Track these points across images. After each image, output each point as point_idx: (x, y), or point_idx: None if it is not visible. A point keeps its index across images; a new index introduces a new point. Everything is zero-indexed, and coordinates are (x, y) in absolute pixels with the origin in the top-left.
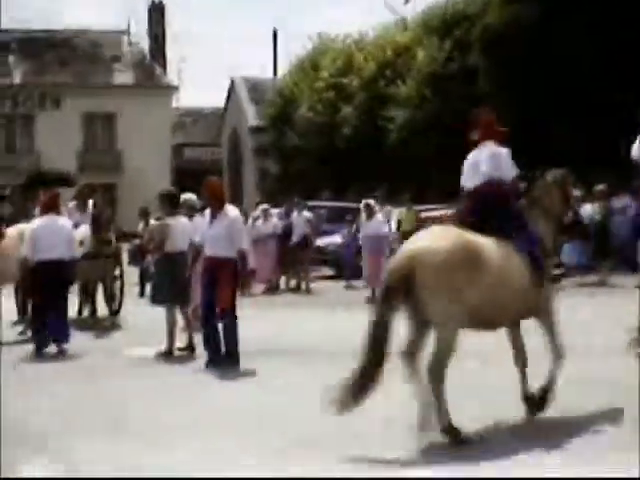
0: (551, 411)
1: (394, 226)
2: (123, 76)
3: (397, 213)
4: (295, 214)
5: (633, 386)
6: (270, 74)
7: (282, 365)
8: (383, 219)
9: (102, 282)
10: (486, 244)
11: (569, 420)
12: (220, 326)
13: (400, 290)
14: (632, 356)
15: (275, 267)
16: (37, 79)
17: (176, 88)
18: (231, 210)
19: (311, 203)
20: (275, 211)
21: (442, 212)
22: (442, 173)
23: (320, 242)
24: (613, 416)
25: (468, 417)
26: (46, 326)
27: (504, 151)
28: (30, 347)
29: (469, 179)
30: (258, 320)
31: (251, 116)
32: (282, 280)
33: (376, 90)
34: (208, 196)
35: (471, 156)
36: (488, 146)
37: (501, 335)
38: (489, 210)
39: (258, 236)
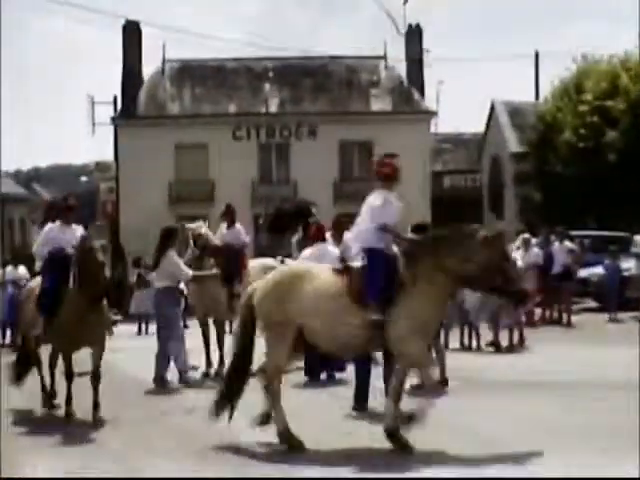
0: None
1: None
2: (380, 102)
3: None
4: (556, 244)
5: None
6: (531, 97)
7: (537, 399)
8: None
9: None
10: None
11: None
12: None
13: None
14: None
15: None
16: (293, 107)
17: (435, 113)
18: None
19: (574, 232)
20: (535, 240)
21: None
22: None
23: (583, 273)
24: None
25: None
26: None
27: None
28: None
29: None
30: (515, 353)
31: (512, 142)
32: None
33: None
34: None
35: None
36: None
37: None
38: None
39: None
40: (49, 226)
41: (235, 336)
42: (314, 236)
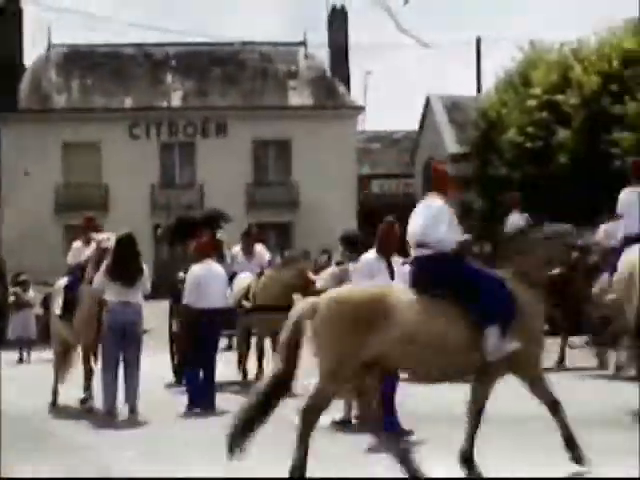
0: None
1: None
2: (299, 96)
3: None
4: None
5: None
6: (473, 90)
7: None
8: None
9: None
10: None
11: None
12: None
13: None
14: None
15: None
16: (199, 101)
17: (362, 108)
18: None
19: None
20: None
21: None
22: None
23: None
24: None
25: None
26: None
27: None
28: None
29: None
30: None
31: (450, 141)
32: None
33: (599, 108)
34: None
35: None
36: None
37: None
38: None
39: None
40: None
41: None
42: (203, 250)
